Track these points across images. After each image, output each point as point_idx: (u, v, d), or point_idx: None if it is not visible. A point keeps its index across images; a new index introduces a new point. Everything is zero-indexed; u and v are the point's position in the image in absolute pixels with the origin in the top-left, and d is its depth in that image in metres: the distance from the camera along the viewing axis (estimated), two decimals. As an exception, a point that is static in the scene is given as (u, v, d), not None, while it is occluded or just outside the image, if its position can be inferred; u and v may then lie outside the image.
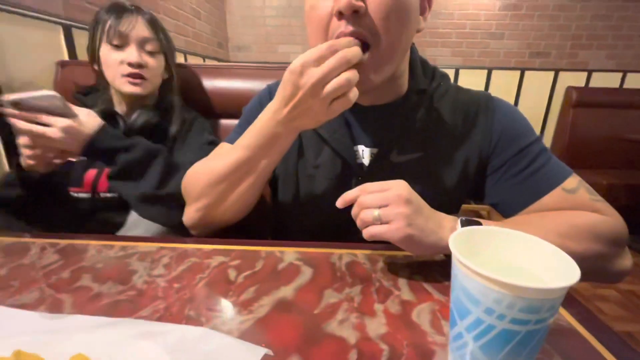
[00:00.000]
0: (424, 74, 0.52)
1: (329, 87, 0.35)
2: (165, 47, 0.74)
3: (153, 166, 0.63)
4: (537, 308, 0.20)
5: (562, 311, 0.34)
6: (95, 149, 0.59)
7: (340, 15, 0.39)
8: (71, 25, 1.02)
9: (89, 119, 0.59)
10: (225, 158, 0.47)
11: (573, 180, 0.46)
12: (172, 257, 0.43)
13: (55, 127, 0.54)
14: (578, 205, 0.44)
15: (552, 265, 0.24)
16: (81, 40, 1.04)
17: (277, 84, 0.57)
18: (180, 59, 1.88)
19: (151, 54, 0.72)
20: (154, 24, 0.72)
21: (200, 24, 2.12)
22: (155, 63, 0.72)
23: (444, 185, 0.49)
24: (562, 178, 0.46)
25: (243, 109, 0.61)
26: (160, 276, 0.39)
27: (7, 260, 0.42)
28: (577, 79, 2.52)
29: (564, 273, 0.22)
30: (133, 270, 0.40)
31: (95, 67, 0.73)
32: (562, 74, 2.53)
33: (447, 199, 0.50)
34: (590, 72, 2.52)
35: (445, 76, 0.53)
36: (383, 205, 0.36)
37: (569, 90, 2.44)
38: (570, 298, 0.34)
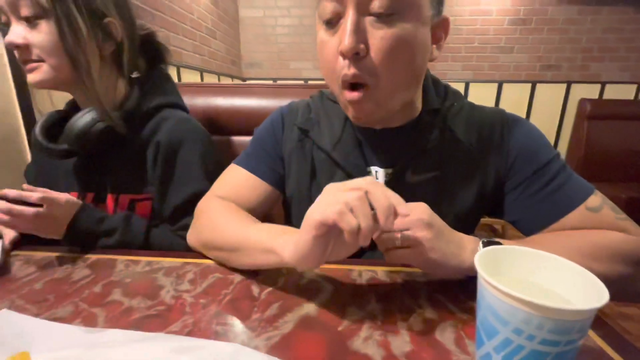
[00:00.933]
0: (436, 92, 0.52)
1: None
2: (47, 5, 0.49)
3: (137, 238, 0.56)
4: (567, 329, 0.21)
5: (589, 332, 0.33)
6: (73, 235, 0.52)
7: (344, 55, 0.40)
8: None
9: (67, 205, 0.51)
10: (232, 230, 0.44)
11: (596, 199, 0.45)
12: (196, 273, 0.45)
13: (25, 215, 0.47)
14: (603, 224, 0.43)
15: (578, 286, 0.24)
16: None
17: (290, 110, 0.58)
18: (196, 76, 1.95)
19: (28, 21, 0.50)
20: None
21: (215, 43, 2.20)
22: (38, 35, 0.50)
23: (461, 204, 0.49)
24: (585, 196, 0.44)
25: (255, 130, 0.61)
26: (187, 291, 0.40)
27: (42, 274, 0.44)
28: (589, 92, 2.50)
29: (592, 294, 0.23)
30: (160, 286, 0.42)
31: None
32: (574, 87, 2.51)
33: (464, 217, 0.49)
34: (603, 84, 2.50)
35: (458, 94, 0.53)
36: (404, 229, 0.36)
37: (583, 102, 2.42)
38: (597, 318, 0.34)
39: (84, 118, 0.55)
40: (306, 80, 2.72)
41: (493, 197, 0.50)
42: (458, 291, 0.41)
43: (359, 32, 0.38)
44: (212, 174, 0.60)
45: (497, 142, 0.49)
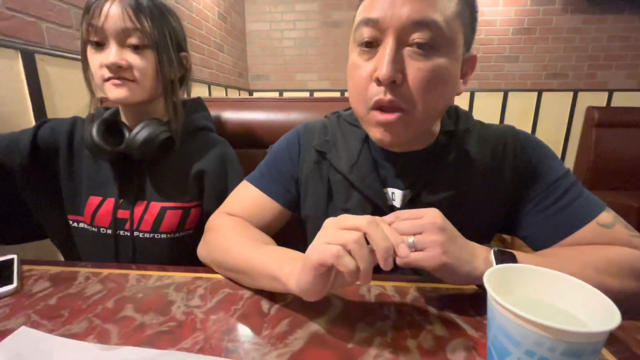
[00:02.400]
0: (448, 115, 0.53)
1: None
2: (155, 38, 0.59)
3: None
4: (580, 351, 0.21)
5: (603, 350, 0.33)
6: None
7: (379, 82, 0.41)
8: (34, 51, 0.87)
9: None
10: (241, 252, 0.45)
11: (608, 215, 0.45)
12: (206, 288, 0.45)
13: None
14: (616, 240, 0.43)
15: (590, 306, 0.24)
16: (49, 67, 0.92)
17: (306, 131, 0.58)
18: (204, 89, 1.99)
19: (136, 49, 0.58)
20: (137, 9, 0.56)
21: (223, 57, 2.25)
22: (141, 61, 0.59)
23: (476, 220, 0.49)
24: (597, 212, 0.45)
25: (270, 148, 0.61)
26: (197, 307, 0.41)
27: (55, 289, 0.45)
28: (596, 100, 2.48)
29: (604, 315, 0.23)
30: (171, 301, 0.42)
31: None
32: (581, 95, 2.50)
33: (478, 234, 0.48)
34: (611, 92, 2.48)
35: (468, 115, 0.54)
36: (417, 232, 0.36)
37: (590, 110, 2.40)
38: (610, 336, 0.33)
39: (149, 128, 0.62)
40: (311, 91, 2.75)
41: (506, 212, 0.51)
42: (469, 307, 0.40)
43: (397, 62, 0.40)
44: None
45: (510, 160, 0.49)
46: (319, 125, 0.58)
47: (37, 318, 0.39)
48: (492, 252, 0.39)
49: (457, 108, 0.55)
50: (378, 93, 0.41)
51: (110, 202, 0.64)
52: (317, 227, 0.54)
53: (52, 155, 0.66)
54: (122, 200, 0.65)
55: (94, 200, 0.65)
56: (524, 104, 2.57)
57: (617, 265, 0.40)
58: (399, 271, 0.53)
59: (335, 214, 0.35)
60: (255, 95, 2.80)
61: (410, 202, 0.50)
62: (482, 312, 0.39)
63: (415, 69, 0.40)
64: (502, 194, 0.50)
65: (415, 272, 0.52)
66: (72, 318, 0.38)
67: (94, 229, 0.65)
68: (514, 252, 0.40)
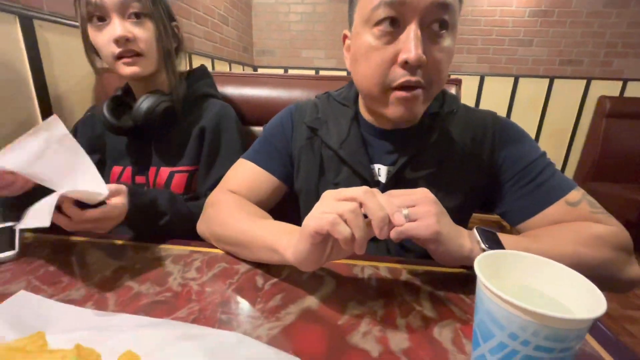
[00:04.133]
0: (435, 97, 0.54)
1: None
2: (150, 7, 0.61)
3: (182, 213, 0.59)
4: (562, 337, 0.21)
5: (587, 336, 0.34)
6: (132, 223, 0.52)
7: (405, 64, 0.43)
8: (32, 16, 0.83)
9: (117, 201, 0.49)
10: (239, 226, 0.46)
11: (576, 194, 0.48)
12: (202, 261, 0.46)
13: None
14: (580, 217, 0.47)
15: (577, 293, 0.24)
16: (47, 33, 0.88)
17: (297, 109, 0.60)
18: (207, 63, 1.95)
19: (137, 17, 0.60)
20: None
21: (227, 30, 2.19)
22: (144, 32, 0.61)
23: (456, 199, 0.52)
24: (566, 190, 0.48)
25: (264, 127, 0.63)
26: (193, 279, 0.42)
27: (56, 257, 0.46)
28: (610, 89, 2.42)
29: (591, 303, 0.23)
30: (168, 272, 0.43)
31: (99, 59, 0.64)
32: (594, 83, 2.43)
33: (458, 210, 0.51)
34: (625, 81, 2.40)
35: (455, 98, 0.57)
36: (410, 205, 0.37)
37: (602, 99, 2.35)
38: (595, 324, 0.34)
39: (149, 99, 0.65)
40: (317, 69, 2.69)
41: (484, 192, 0.54)
42: (458, 290, 0.41)
43: (422, 44, 0.42)
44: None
45: (489, 143, 0.53)
46: (310, 104, 0.61)
47: (38, 283, 0.40)
48: (474, 229, 0.41)
49: (445, 91, 0.57)
50: (404, 75, 0.43)
51: (128, 171, 0.71)
52: (309, 200, 0.56)
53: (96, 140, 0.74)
54: (137, 168, 0.71)
55: (116, 170, 0.71)
56: (534, 91, 2.50)
57: (590, 237, 0.43)
58: (391, 251, 0.54)
59: (326, 188, 0.37)
60: (260, 71, 2.74)
61: (394, 178, 0.52)
62: (471, 295, 0.40)
63: (436, 50, 0.43)
64: (482, 174, 0.53)
65: (405, 250, 0.54)
66: (71, 285, 0.40)
67: None
68: (498, 233, 0.41)
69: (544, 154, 0.52)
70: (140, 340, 0.28)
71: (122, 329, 0.29)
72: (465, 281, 0.43)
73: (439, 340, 0.33)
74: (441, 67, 0.44)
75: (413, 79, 0.43)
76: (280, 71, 2.72)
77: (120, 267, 0.44)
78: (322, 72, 2.68)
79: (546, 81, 2.48)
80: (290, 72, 2.72)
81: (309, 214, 0.34)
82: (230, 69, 2.27)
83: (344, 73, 2.59)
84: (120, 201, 0.49)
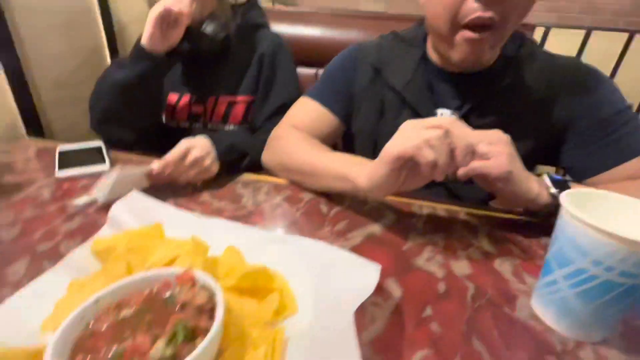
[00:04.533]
0: (512, 39, 0.50)
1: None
2: None
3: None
4: (650, 265, 0.22)
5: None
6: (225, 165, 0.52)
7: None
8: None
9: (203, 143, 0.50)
10: (308, 155, 0.48)
11: None
12: (269, 187, 0.50)
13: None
14: None
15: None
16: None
17: (360, 49, 0.58)
18: None
19: None
20: None
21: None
22: None
23: (522, 147, 0.48)
24: None
25: (326, 67, 0.62)
26: (264, 201, 0.46)
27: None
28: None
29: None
30: (240, 194, 0.47)
31: None
32: (684, 41, 2.09)
33: (524, 160, 0.49)
34: None
35: (535, 42, 0.53)
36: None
37: (689, 61, 2.04)
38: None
39: (212, 24, 0.65)
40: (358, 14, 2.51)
41: (553, 143, 0.52)
42: (516, 233, 0.42)
43: None
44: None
45: (566, 91, 0.49)
46: (374, 44, 0.59)
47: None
48: (545, 174, 0.40)
49: (523, 34, 0.53)
50: (477, 10, 0.41)
51: (186, 98, 0.71)
52: (365, 143, 0.57)
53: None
54: (195, 95, 0.71)
55: (173, 97, 0.72)
56: (606, 48, 2.20)
57: None
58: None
59: (385, 130, 0.37)
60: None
61: None
62: (530, 238, 0.41)
63: None
64: (554, 124, 0.50)
65: (459, 199, 0.54)
66: (165, 197, 0.45)
67: (172, 123, 0.73)
68: (569, 181, 0.41)
69: (628, 106, 0.48)
70: (231, 239, 0.32)
71: (222, 230, 0.34)
72: (523, 227, 0.44)
73: (499, 270, 0.35)
74: (519, 2, 0.41)
75: (486, 15, 0.40)
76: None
77: (196, 186, 0.49)
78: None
79: (624, 37, 2.16)
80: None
81: (389, 142, 0.35)
82: (273, 3, 2.17)
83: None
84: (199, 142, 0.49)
